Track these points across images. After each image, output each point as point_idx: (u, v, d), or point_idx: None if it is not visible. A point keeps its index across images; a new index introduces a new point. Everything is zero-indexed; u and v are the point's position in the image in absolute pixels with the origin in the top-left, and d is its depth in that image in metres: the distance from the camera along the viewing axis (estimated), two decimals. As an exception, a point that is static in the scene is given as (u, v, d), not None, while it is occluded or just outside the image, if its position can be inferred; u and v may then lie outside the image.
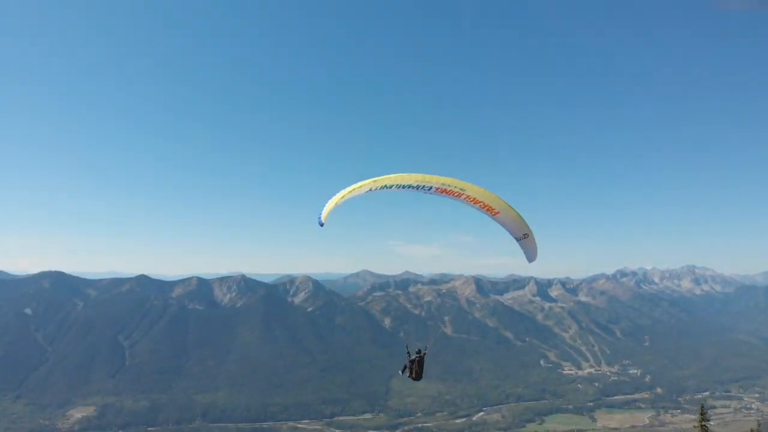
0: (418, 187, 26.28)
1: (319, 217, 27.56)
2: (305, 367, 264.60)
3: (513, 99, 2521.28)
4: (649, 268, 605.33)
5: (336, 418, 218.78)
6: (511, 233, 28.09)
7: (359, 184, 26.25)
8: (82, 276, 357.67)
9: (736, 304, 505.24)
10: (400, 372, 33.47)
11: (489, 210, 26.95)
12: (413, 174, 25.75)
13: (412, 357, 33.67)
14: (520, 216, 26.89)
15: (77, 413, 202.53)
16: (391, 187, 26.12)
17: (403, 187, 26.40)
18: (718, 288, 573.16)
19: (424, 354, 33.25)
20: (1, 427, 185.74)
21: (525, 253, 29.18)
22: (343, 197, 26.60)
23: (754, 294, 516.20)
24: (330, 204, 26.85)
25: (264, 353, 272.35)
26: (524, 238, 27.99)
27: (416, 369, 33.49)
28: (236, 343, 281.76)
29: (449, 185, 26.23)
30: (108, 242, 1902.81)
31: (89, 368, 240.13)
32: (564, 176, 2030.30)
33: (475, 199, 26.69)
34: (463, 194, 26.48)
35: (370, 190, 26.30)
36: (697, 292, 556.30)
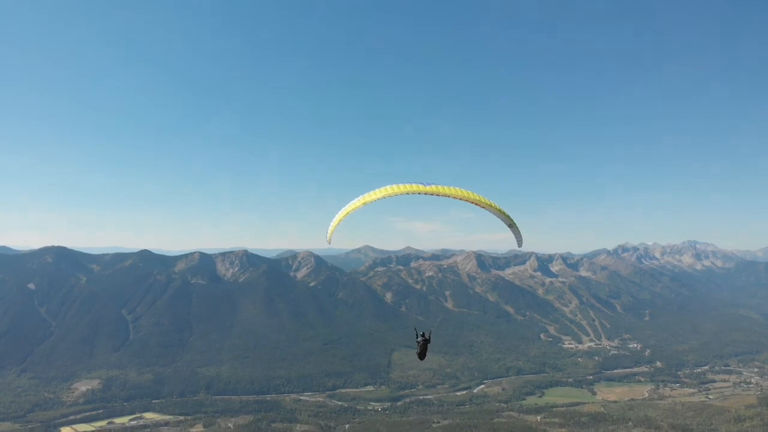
0: (409, 194, 29.57)
1: (326, 235, 32.64)
2: (308, 340, 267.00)
3: (510, 76, 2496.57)
4: (650, 243, 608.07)
5: (338, 390, 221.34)
6: (503, 221, 31.80)
7: (357, 201, 29.79)
8: (85, 251, 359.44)
9: (737, 279, 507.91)
10: (416, 341, 36.04)
11: (478, 204, 30.39)
12: (403, 185, 28.91)
13: (418, 339, 35.95)
14: (504, 211, 30.42)
15: (82, 386, 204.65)
16: (384, 198, 29.47)
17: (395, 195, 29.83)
18: (719, 263, 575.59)
19: (429, 338, 35.80)
20: (6, 401, 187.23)
21: (516, 238, 33.43)
22: (346, 214, 30.30)
23: (755, 269, 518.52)
24: (333, 224, 31.06)
25: (267, 327, 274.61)
26: (511, 227, 31.81)
27: (420, 350, 35.88)
28: (239, 318, 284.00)
29: (437, 193, 29.29)
30: (109, 217, 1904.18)
31: (93, 342, 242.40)
32: (566, 151, 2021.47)
33: (462, 198, 29.84)
34: (449, 196, 29.54)
35: (365, 204, 29.86)
36: (698, 267, 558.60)
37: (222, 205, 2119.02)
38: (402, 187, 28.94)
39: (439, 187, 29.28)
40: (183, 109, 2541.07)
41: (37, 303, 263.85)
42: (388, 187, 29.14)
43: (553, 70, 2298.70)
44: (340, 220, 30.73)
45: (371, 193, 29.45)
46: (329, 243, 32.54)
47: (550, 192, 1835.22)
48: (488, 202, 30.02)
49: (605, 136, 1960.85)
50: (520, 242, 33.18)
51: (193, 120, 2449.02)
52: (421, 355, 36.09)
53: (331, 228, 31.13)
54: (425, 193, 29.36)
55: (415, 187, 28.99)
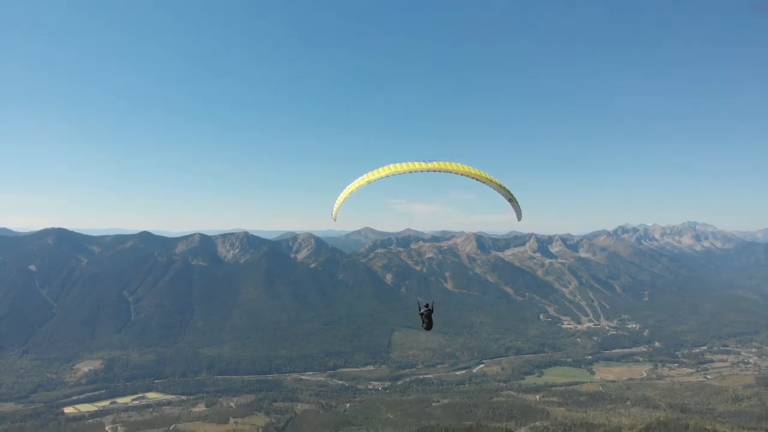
0: (411, 172, 30.24)
1: (332, 213, 32.89)
2: (309, 321, 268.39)
3: (511, 55, 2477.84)
4: (650, 224, 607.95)
5: (339, 370, 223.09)
6: (503, 195, 32.58)
7: (361, 179, 30.39)
8: (85, 233, 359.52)
9: (737, 260, 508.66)
10: (419, 313, 36.84)
11: (478, 179, 31.06)
12: (405, 164, 29.70)
13: (422, 311, 36.46)
14: (504, 186, 31.18)
15: (84, 367, 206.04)
16: (388, 176, 30.22)
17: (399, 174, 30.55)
18: (718, 244, 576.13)
19: (432, 308, 36.42)
20: (9, 382, 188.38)
21: (515, 212, 33.92)
22: (351, 192, 30.82)
23: (755, 250, 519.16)
24: (339, 201, 31.57)
25: (268, 308, 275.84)
26: (511, 201, 32.49)
27: (426, 321, 36.51)
28: (240, 299, 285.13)
29: (439, 169, 30.03)
30: (108, 199, 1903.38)
31: (95, 323, 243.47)
32: (566, 132, 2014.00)
33: (464, 174, 30.54)
34: (451, 172, 30.22)
35: (369, 182, 30.39)
36: (698, 248, 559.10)
37: (221, 186, 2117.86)
38: (405, 166, 29.60)
39: (441, 163, 29.65)
40: (183, 90, 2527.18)
41: (39, 284, 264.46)
42: (391, 165, 29.74)
43: (553, 57, 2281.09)
44: (345, 198, 31.29)
45: (375, 171, 29.97)
46: (335, 220, 33.08)
47: (550, 172, 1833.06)
48: (488, 177, 30.37)
49: (605, 117, 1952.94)
50: (519, 216, 33.80)
51: (192, 101, 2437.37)
52: (428, 326, 36.47)
53: (336, 205, 31.63)
54: (428, 171, 29.89)
55: (417, 165, 29.65)
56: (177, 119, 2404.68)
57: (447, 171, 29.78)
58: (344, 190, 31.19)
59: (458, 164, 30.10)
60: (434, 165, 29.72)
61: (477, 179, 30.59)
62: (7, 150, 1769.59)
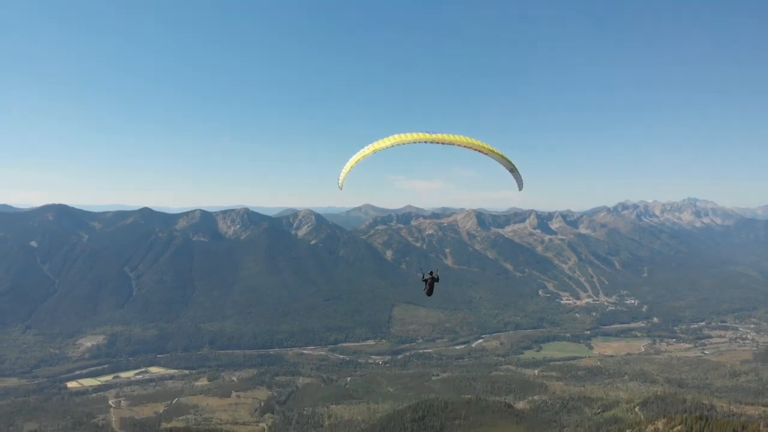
0: (416, 142, 30.88)
1: (338, 182, 33.32)
2: (309, 296, 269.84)
3: (512, 31, 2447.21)
4: (650, 201, 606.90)
5: (340, 345, 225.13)
6: (504, 166, 33.47)
7: (367, 148, 31.02)
8: (86, 209, 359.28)
9: (736, 236, 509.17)
10: (422, 279, 38.34)
11: (480, 151, 31.74)
12: (411, 134, 30.42)
13: (426, 277, 37.94)
14: (505, 156, 32.10)
15: (87, 342, 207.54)
16: (393, 146, 30.91)
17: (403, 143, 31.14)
18: (718, 221, 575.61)
19: (437, 277, 37.84)
20: (12, 357, 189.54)
21: (516, 182, 34.60)
22: (356, 161, 31.47)
23: (754, 227, 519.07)
24: (345, 170, 32.14)
25: (269, 284, 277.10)
26: (512, 172, 33.33)
27: (429, 287, 37.92)
28: (241, 275, 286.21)
29: (443, 141, 30.62)
30: (108, 175, 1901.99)
31: (97, 299, 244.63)
32: (567, 109, 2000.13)
33: (466, 146, 31.30)
34: (455, 144, 30.93)
35: (375, 152, 31.08)
36: (698, 224, 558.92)
37: (221, 163, 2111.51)
38: (410, 136, 30.24)
39: (444, 135, 30.29)
40: (185, 66, 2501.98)
41: (40, 261, 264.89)
42: (396, 135, 30.37)
43: (555, 35, 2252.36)
44: (352, 167, 31.80)
45: (381, 141, 30.64)
46: (341, 189, 33.47)
47: (551, 149, 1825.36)
48: (490, 148, 30.68)
49: (607, 93, 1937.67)
50: (520, 185, 34.22)
51: (193, 77, 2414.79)
52: (429, 292, 37.82)
53: (343, 174, 32.13)
54: (432, 141, 30.37)
55: (422, 136, 30.29)
56: (177, 97, 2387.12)
57: (451, 142, 30.43)
58: (350, 159, 31.73)
59: (461, 136, 30.47)
60: (439, 136, 30.29)
61: (480, 151, 31.18)
62: (7, 126, 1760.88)
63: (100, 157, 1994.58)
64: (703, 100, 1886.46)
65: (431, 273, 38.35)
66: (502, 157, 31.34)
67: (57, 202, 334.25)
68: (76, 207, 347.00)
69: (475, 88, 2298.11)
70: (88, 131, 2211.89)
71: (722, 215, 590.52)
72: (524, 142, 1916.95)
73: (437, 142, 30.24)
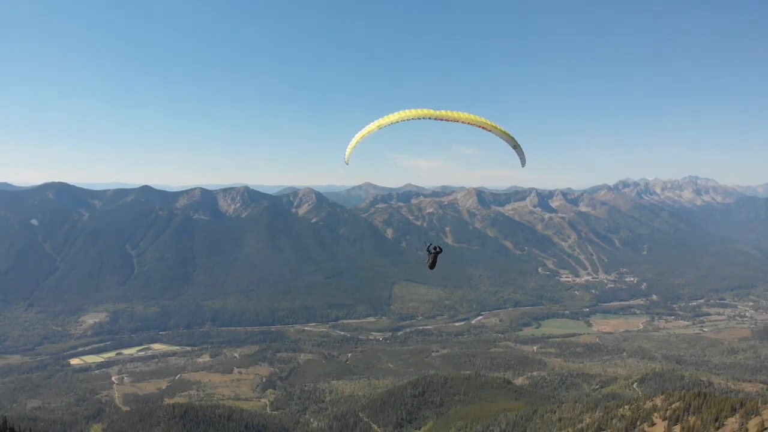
0: (420, 118, 30.82)
1: (344, 157, 33.39)
2: (310, 274, 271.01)
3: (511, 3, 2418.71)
4: (651, 179, 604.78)
5: (341, 321, 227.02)
6: (507, 143, 33.49)
7: (372, 124, 31.03)
8: (86, 187, 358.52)
9: (737, 214, 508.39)
10: (426, 249, 37.90)
11: (483, 127, 31.83)
12: (415, 110, 30.42)
13: (430, 249, 37.87)
14: (508, 133, 32.28)
15: (89, 319, 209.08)
16: (397, 122, 30.92)
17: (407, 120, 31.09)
18: (719, 199, 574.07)
19: (441, 250, 37.76)
20: (15, 334, 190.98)
21: (519, 159, 34.69)
22: (362, 137, 31.43)
23: (755, 205, 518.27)
24: (351, 145, 32.11)
25: (270, 262, 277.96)
26: (515, 148, 33.40)
27: (431, 259, 37.71)
28: (242, 252, 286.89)
29: (447, 117, 30.70)
30: (108, 152, 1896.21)
31: (99, 276, 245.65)
32: (568, 86, 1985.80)
33: (470, 123, 31.16)
34: (458, 120, 30.90)
35: (379, 127, 31.09)
36: (698, 202, 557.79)
37: (221, 140, 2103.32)
38: (414, 112, 30.36)
39: (448, 111, 30.57)
40: (185, 41, 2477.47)
41: (41, 239, 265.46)
42: (401, 111, 30.47)
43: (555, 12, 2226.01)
44: (357, 142, 31.90)
45: (385, 117, 30.71)
46: (347, 164, 33.46)
47: (552, 127, 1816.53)
48: (494, 125, 30.88)
49: (607, 70, 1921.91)
50: (523, 162, 34.19)
51: (192, 53, 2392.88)
52: (432, 265, 38.12)
53: (348, 149, 32.21)
54: (435, 118, 30.54)
55: (426, 112, 30.44)
56: (177, 73, 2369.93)
57: (455, 119, 30.59)
58: (356, 135, 31.89)
59: (465, 113, 30.72)
60: (443, 113, 30.46)
61: (483, 128, 31.46)
62: (7, 102, 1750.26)
63: (99, 134, 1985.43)
64: (705, 77, 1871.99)
65: (436, 248, 38.33)
66: (505, 133, 31.42)
67: (57, 180, 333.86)
68: (76, 185, 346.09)
69: (475, 63, 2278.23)
70: (87, 108, 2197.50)
71: (723, 193, 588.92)
72: (525, 117, 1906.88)
73: (441, 119, 30.47)
